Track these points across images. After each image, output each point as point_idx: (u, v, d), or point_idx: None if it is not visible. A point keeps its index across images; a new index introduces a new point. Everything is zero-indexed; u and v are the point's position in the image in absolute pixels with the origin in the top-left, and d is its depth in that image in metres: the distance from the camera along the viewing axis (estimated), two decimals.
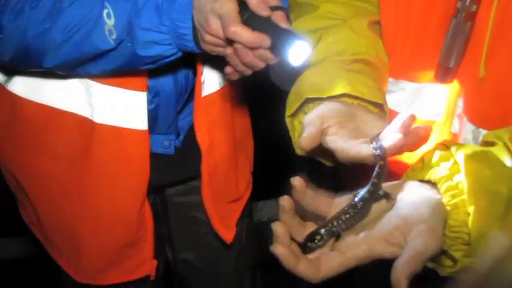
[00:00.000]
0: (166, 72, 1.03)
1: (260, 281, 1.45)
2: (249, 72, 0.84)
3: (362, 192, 0.62)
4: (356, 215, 0.60)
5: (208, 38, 0.82)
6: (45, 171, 1.06)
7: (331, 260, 0.57)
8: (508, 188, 0.60)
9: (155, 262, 1.14)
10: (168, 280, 1.38)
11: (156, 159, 1.08)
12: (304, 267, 0.57)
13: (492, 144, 0.67)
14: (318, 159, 0.81)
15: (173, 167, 1.18)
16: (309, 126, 0.69)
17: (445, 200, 0.60)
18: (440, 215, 0.59)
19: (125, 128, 1.00)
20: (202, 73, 1.05)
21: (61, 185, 1.06)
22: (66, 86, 1.00)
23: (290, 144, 0.83)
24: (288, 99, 0.81)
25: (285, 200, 0.60)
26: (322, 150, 0.72)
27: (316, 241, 0.59)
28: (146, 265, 1.12)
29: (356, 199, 0.61)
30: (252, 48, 0.78)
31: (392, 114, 0.79)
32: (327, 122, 0.69)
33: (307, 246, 0.59)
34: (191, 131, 1.17)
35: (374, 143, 0.65)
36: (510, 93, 0.76)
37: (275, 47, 0.78)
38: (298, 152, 0.80)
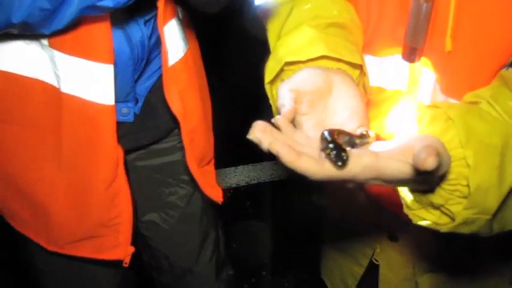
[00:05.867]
0: (121, 40, 1.01)
1: (223, 239, 1.51)
2: None
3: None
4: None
5: None
6: (13, 140, 1.04)
7: None
8: (501, 140, 0.64)
9: (131, 249, 1.12)
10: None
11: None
12: (306, 161, 0.55)
13: (475, 103, 0.72)
14: None
15: (133, 133, 1.18)
16: (283, 99, 0.66)
17: None
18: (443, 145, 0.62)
19: (91, 102, 0.98)
20: (165, 42, 1.04)
21: (33, 154, 1.05)
22: (29, 53, 0.97)
23: (269, 109, 0.82)
24: (266, 66, 0.80)
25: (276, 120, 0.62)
26: None
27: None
28: (120, 249, 1.11)
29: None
30: None
31: None
32: (299, 97, 0.66)
33: (343, 157, 0.56)
34: (149, 96, 1.18)
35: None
36: (478, 65, 0.79)
37: None
38: None
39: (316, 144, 0.61)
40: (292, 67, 0.76)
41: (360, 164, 0.57)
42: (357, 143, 0.62)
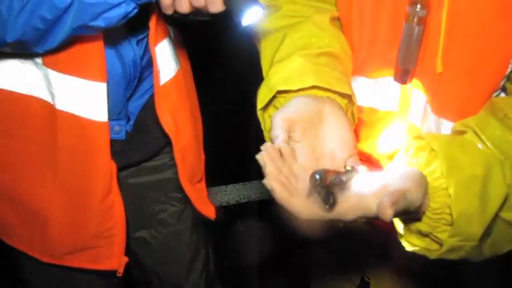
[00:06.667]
0: (113, 59, 1.03)
1: (213, 257, 1.49)
2: (185, 8, 0.83)
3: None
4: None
5: None
6: (11, 154, 1.05)
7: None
8: (483, 169, 0.67)
9: (125, 259, 1.14)
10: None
11: None
12: (296, 202, 0.60)
13: (462, 132, 0.74)
14: None
15: (125, 150, 1.19)
16: (276, 130, 0.69)
17: None
18: (423, 179, 0.66)
19: (86, 118, 1.00)
20: (157, 62, 1.05)
21: (30, 168, 1.06)
22: (24, 71, 0.98)
23: (259, 131, 0.84)
24: (258, 93, 0.81)
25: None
26: None
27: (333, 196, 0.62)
28: (114, 260, 1.12)
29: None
30: None
31: None
32: (292, 126, 0.69)
33: (331, 200, 0.61)
34: (141, 114, 1.19)
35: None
36: (468, 86, 0.81)
37: (230, 2, 0.80)
38: None
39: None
40: (284, 95, 0.78)
41: (346, 204, 0.62)
42: (343, 179, 0.64)
